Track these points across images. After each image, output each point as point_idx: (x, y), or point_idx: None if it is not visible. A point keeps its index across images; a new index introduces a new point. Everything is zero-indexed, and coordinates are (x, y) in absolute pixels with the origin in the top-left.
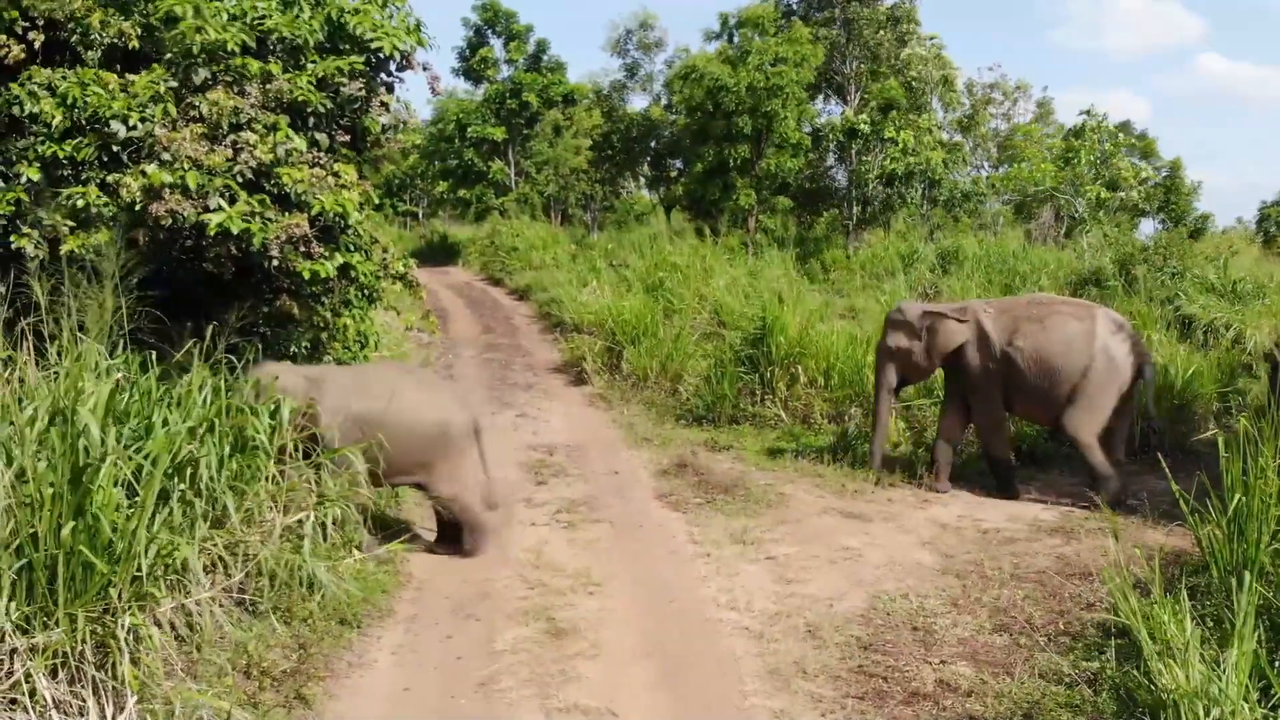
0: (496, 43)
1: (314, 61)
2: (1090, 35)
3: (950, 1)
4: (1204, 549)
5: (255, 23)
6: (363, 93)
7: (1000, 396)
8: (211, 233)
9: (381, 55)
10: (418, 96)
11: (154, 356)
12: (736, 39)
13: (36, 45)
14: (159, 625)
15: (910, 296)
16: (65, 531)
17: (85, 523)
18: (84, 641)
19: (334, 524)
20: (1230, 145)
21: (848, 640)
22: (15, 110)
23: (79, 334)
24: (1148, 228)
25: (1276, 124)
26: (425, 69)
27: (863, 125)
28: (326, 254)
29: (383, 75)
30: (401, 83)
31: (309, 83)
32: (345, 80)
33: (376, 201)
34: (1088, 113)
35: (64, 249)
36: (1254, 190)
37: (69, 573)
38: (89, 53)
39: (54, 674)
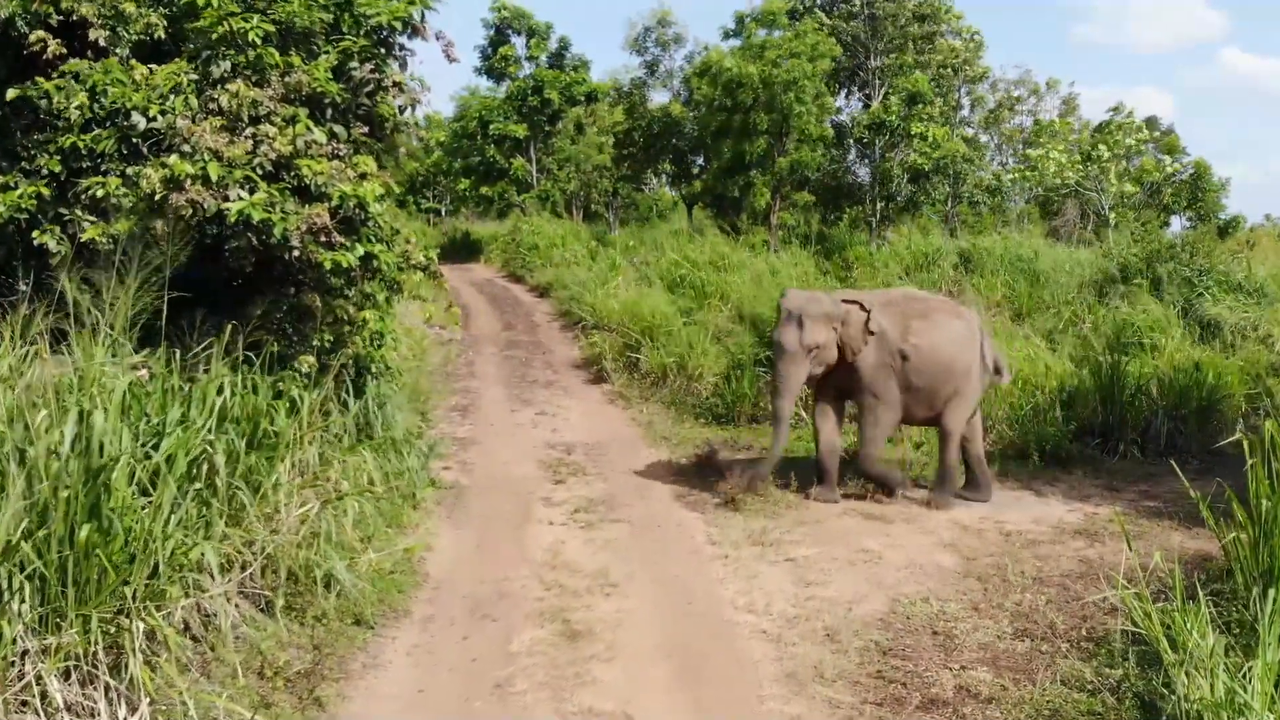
0: (518, 40)
1: (326, 52)
2: (1113, 30)
3: None
4: (1229, 555)
5: (265, 7)
6: (375, 75)
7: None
8: (232, 220)
9: (386, 33)
10: (438, 91)
11: (177, 354)
12: (752, 36)
13: (73, 42)
14: (172, 625)
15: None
16: (81, 535)
17: (99, 525)
18: (97, 643)
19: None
20: (1257, 140)
21: (867, 644)
22: (43, 103)
23: (99, 332)
24: (1178, 226)
25: None
26: (439, 37)
27: (891, 117)
28: (348, 245)
29: (394, 53)
30: (414, 55)
31: (325, 73)
32: (356, 65)
33: (398, 193)
34: (1116, 110)
35: (84, 236)
36: None
37: (82, 574)
38: (118, 49)
39: (66, 676)
